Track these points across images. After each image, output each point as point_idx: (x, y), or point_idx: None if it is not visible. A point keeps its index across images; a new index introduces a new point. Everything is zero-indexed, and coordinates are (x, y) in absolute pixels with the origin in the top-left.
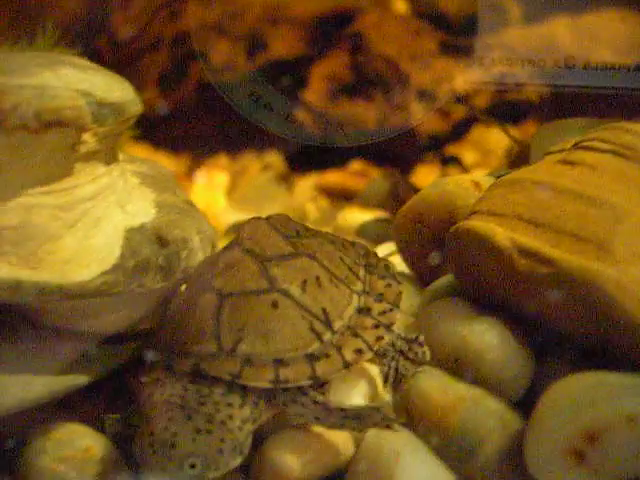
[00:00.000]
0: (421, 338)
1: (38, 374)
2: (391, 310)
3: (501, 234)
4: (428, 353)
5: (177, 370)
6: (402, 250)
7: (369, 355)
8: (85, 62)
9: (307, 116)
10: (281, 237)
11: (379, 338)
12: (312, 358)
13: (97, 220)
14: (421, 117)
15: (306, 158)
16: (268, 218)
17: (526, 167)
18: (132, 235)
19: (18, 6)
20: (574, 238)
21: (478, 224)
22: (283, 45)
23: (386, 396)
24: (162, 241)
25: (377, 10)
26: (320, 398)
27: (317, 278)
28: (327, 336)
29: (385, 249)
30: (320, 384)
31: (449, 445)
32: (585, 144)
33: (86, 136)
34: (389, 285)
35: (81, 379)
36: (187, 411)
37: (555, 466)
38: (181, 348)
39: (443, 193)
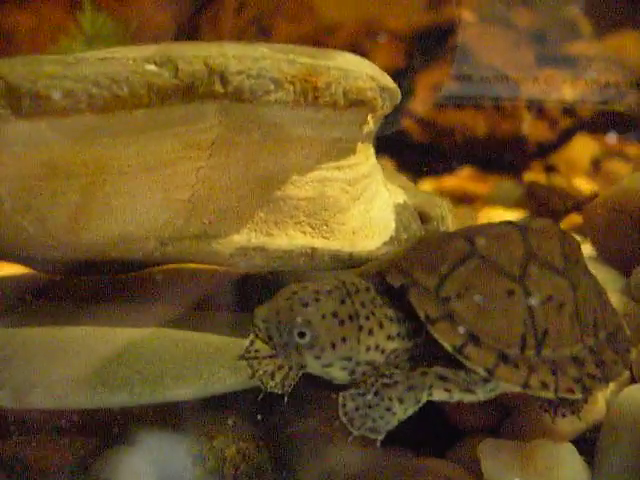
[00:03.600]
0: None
1: None
2: (600, 381)
3: None
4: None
5: (387, 279)
6: (595, 238)
7: (549, 395)
8: None
9: (412, 123)
10: (560, 251)
11: (569, 390)
12: (503, 357)
13: (373, 195)
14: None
15: (416, 164)
16: (561, 229)
17: None
18: (401, 210)
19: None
20: None
21: None
22: (382, 57)
23: None
24: (424, 217)
25: (476, 23)
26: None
27: (561, 304)
28: (528, 352)
29: None
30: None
31: None
32: None
33: (369, 117)
34: (615, 362)
35: None
36: (347, 298)
37: None
38: (404, 268)
39: None
